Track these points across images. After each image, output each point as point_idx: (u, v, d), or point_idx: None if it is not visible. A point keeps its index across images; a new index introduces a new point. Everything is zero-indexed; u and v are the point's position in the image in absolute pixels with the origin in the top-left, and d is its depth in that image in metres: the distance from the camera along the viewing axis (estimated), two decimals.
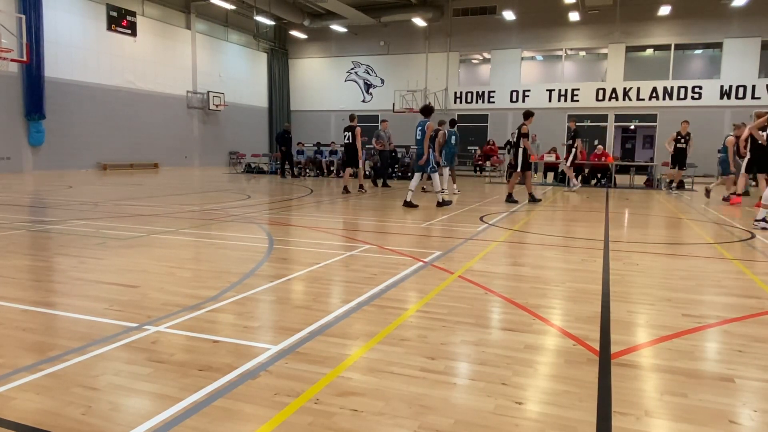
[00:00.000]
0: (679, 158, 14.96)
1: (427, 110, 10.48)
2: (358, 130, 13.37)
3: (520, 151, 11.57)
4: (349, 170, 13.74)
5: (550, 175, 19.14)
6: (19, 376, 2.56)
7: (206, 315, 3.53)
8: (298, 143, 22.47)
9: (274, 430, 2.12)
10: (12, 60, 16.53)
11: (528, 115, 11.57)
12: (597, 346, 3.07)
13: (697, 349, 3.11)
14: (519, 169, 11.69)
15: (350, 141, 13.38)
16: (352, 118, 13.76)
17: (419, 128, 10.31)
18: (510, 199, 11.53)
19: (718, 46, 23.85)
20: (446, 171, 13.07)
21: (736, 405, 2.41)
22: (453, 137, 13.26)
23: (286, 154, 19.35)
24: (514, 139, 11.90)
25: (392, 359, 2.84)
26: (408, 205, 10.13)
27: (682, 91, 24.18)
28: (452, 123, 13.99)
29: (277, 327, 3.36)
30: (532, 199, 11.67)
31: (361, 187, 13.93)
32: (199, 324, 3.35)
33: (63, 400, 2.34)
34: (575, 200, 12.68)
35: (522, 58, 26.79)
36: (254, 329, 3.30)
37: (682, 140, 14.73)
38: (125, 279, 4.44)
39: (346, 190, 13.34)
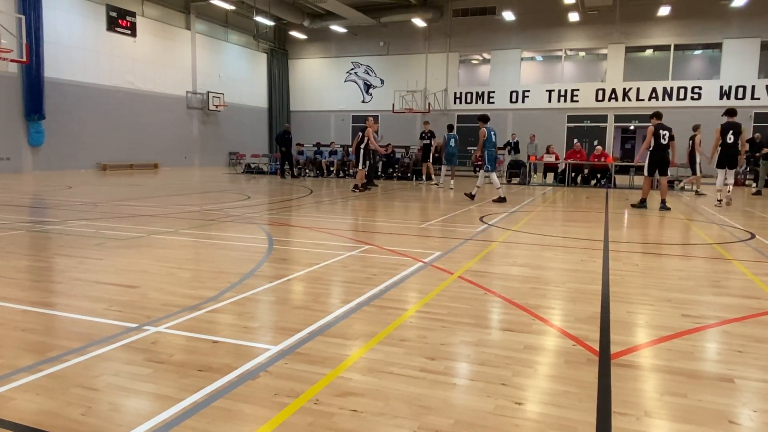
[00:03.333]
0: None
1: (486, 117, 12.15)
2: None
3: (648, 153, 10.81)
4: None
5: (550, 176, 19.14)
6: (18, 377, 2.56)
7: (206, 315, 3.53)
8: (298, 144, 22.45)
9: (274, 430, 2.12)
10: (12, 60, 16.50)
11: (658, 115, 10.79)
12: (597, 347, 3.07)
13: (696, 350, 3.11)
14: (645, 174, 10.94)
15: (428, 141, 17.20)
16: (426, 122, 18.05)
17: (494, 133, 11.90)
18: (642, 204, 10.81)
19: (718, 46, 23.84)
20: (443, 168, 16.27)
21: (736, 405, 2.41)
22: (452, 140, 15.78)
23: (286, 154, 19.35)
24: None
25: (392, 359, 2.84)
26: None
27: (682, 91, 24.17)
28: (450, 128, 16.56)
29: (276, 327, 3.36)
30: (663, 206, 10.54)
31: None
32: (199, 324, 3.35)
33: (63, 400, 2.34)
34: (575, 200, 12.68)
35: (522, 59, 26.77)
36: (254, 330, 3.30)
37: None
38: (125, 279, 4.44)
39: (428, 178, 17.44)
